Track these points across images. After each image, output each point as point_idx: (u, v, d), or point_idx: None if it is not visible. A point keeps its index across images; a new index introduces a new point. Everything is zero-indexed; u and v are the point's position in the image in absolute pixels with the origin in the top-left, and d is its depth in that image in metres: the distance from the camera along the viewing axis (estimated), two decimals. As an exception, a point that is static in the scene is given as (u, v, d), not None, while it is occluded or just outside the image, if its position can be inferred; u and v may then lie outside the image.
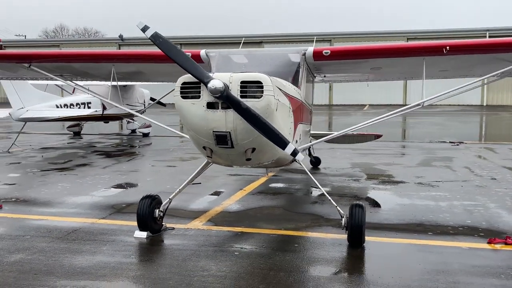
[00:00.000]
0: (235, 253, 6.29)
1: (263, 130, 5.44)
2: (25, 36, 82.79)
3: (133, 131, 22.20)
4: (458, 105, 46.20)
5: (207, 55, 7.59)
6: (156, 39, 5.61)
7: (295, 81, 7.12)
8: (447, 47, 6.67)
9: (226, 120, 5.52)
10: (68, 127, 21.56)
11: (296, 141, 6.99)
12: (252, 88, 5.50)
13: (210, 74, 5.44)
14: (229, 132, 5.59)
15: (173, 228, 7.34)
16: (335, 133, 8.64)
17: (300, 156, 5.70)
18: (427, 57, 7.05)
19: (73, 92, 19.70)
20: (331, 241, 6.79)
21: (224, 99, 5.37)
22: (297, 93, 6.88)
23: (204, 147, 6.01)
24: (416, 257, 6.16)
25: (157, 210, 7.02)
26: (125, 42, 49.62)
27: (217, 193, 9.77)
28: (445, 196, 9.45)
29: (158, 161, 14.16)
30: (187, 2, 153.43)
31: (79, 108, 18.38)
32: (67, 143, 19.02)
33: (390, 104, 43.14)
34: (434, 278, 5.46)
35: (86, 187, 10.35)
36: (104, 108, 18.77)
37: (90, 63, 8.42)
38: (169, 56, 5.60)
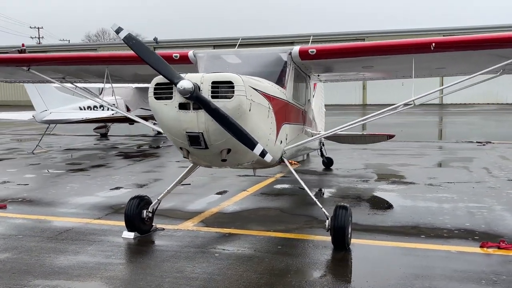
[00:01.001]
0: (215, 254, 6.24)
1: (232, 131, 5.38)
2: (69, 40, 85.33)
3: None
4: (497, 104, 44.85)
5: (195, 55, 7.56)
6: (129, 40, 5.62)
7: (281, 81, 7.01)
8: (433, 44, 6.46)
9: (198, 120, 5.48)
10: (95, 128, 21.91)
11: (281, 142, 6.87)
12: (223, 88, 5.46)
13: (182, 75, 5.42)
14: (202, 133, 5.56)
15: (163, 229, 7.36)
16: (323, 133, 8.46)
17: (268, 157, 5.58)
18: (416, 55, 6.84)
19: (100, 93, 20.03)
20: (317, 243, 6.66)
21: (194, 100, 5.35)
22: (280, 93, 6.76)
23: (181, 148, 6.00)
24: (399, 261, 5.98)
25: (145, 211, 7.04)
26: (160, 45, 50.37)
27: (219, 194, 9.75)
28: (452, 197, 9.13)
29: (173, 162, 14.26)
30: (225, 4, 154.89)
31: (103, 110, 18.66)
32: (93, 144, 19.42)
33: (426, 104, 42.05)
34: (410, 283, 5.26)
35: (93, 188, 10.52)
36: (128, 109, 19.01)
37: (86, 66, 8.54)
38: (141, 57, 5.60)
